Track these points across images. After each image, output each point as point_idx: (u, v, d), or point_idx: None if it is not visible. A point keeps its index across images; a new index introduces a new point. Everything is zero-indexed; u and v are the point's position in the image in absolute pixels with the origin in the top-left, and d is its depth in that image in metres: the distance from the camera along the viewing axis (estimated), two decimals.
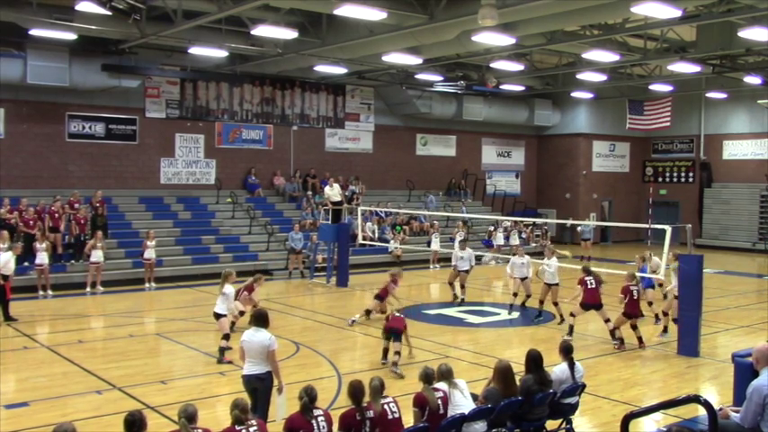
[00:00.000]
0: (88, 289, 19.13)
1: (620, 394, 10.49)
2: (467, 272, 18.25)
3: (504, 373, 7.62)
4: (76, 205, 20.88)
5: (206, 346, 13.30)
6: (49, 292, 18.66)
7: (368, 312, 15.40)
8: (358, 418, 6.66)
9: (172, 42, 20.73)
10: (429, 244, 25.98)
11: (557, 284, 15.54)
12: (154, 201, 24.32)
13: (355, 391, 6.83)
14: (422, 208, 28.89)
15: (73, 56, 21.42)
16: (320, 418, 6.50)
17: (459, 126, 32.27)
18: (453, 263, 18.72)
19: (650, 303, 15.80)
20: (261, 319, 8.16)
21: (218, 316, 12.46)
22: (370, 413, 6.71)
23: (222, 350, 12.07)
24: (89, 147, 23.50)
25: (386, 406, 6.86)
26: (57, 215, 20.01)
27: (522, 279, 16.97)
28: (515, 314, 16.67)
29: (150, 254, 20.14)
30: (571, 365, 8.19)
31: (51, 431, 5.54)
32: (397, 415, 6.90)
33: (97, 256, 19.20)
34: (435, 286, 22.04)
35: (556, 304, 15.46)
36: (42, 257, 18.37)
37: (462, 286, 18.22)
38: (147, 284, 20.16)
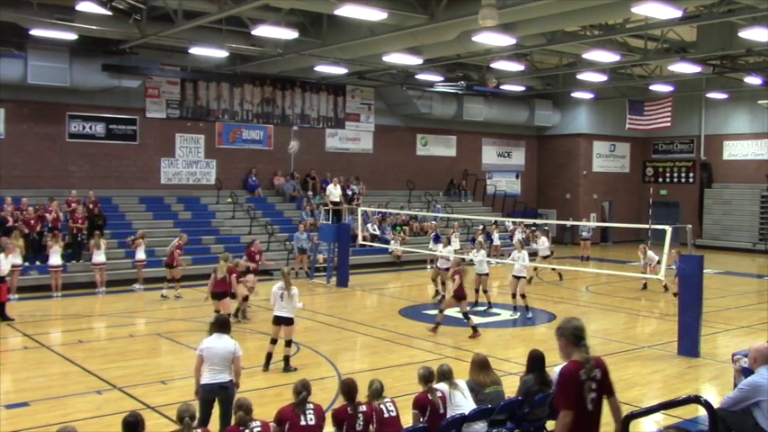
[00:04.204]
0: (101, 288, 19.02)
1: (621, 395, 10.33)
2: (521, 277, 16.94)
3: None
4: (74, 205, 20.87)
5: None
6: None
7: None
8: (350, 411, 6.73)
9: (172, 42, 20.73)
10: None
11: (486, 274, 17.41)
12: (154, 201, 24.31)
13: (348, 388, 6.90)
14: (424, 209, 28.90)
15: (73, 56, 21.42)
16: (309, 412, 6.64)
17: (460, 126, 32.26)
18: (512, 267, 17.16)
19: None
20: (223, 326, 7.94)
21: (289, 321, 11.30)
22: (363, 407, 6.77)
23: (288, 358, 11.41)
24: (89, 147, 23.50)
25: (382, 405, 6.93)
26: (55, 216, 20.02)
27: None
28: (516, 314, 16.71)
29: (141, 254, 19.97)
30: None
31: None
32: (393, 414, 6.92)
33: (100, 256, 19.17)
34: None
35: (485, 292, 17.47)
36: (55, 259, 18.52)
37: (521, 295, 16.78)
38: (136, 285, 19.72)
